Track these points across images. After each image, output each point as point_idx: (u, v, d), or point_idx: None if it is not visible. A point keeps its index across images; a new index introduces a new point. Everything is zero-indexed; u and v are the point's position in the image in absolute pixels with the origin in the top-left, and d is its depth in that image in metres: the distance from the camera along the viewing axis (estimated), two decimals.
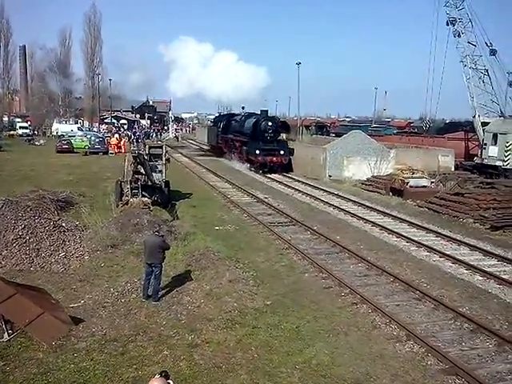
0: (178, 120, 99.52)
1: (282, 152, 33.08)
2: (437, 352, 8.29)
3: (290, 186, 26.55)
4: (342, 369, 7.86)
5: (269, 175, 31.50)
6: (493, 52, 30.89)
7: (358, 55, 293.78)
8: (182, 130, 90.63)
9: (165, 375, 5.79)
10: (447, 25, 32.07)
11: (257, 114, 37.83)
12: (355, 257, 13.51)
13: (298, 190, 25.35)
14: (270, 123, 33.94)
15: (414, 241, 15.33)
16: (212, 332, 8.89)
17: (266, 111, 37.07)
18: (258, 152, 32.77)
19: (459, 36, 31.42)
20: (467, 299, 10.85)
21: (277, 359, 8.07)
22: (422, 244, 14.94)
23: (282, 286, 11.30)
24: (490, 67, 31.33)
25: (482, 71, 31.45)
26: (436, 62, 33.99)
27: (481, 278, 12.19)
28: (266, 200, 22.01)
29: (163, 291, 10.56)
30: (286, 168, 33.32)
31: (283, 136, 37.60)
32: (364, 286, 11.43)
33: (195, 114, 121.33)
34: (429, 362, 8.18)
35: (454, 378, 7.68)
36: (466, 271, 12.70)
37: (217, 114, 60.33)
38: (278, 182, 28.75)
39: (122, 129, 68.39)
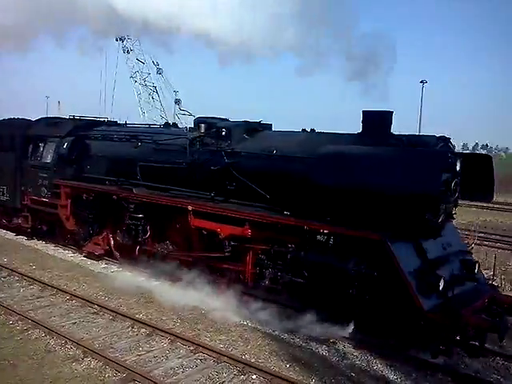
0: None
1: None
2: (114, 363, 8.22)
3: None
4: None
5: None
6: (159, 71, 33.56)
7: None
8: None
9: None
10: (116, 40, 33.30)
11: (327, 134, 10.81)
12: (26, 279, 12.37)
13: None
14: (455, 165, 8.90)
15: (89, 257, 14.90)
16: None
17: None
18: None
19: (128, 52, 33.01)
20: (143, 305, 11.22)
21: None
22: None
23: None
24: (158, 85, 33.99)
25: (151, 88, 33.83)
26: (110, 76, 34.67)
27: (156, 283, 12.67)
28: None
29: None
30: None
31: None
32: (37, 309, 10.54)
33: None
34: (107, 375, 8.00)
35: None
36: (142, 279, 13.10)
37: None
38: None
39: None
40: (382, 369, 8.55)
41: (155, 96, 33.65)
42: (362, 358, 8.81)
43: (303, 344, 9.40)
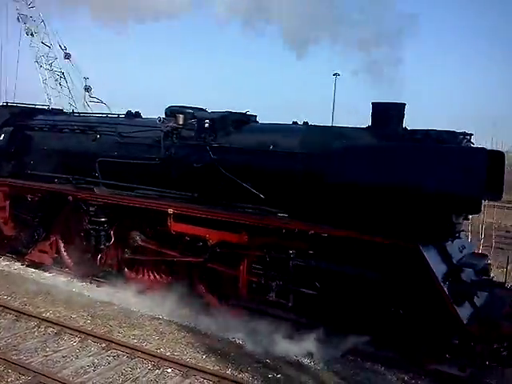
0: None
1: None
2: (17, 365, 7.73)
3: None
4: None
5: None
6: (67, 56, 31.89)
7: None
8: None
9: None
10: (18, 21, 31.19)
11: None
12: None
13: None
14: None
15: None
16: None
17: None
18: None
19: (32, 35, 31.00)
20: (51, 303, 10.63)
21: None
22: None
23: None
24: (66, 71, 32.29)
25: (59, 73, 32.05)
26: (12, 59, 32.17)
27: (64, 280, 12.22)
28: None
29: None
30: None
31: None
32: None
33: None
34: (9, 379, 7.48)
35: None
36: (49, 275, 12.51)
37: None
38: None
39: None
40: (297, 354, 8.72)
41: (63, 82, 31.99)
42: (279, 344, 8.85)
43: (219, 334, 9.38)
